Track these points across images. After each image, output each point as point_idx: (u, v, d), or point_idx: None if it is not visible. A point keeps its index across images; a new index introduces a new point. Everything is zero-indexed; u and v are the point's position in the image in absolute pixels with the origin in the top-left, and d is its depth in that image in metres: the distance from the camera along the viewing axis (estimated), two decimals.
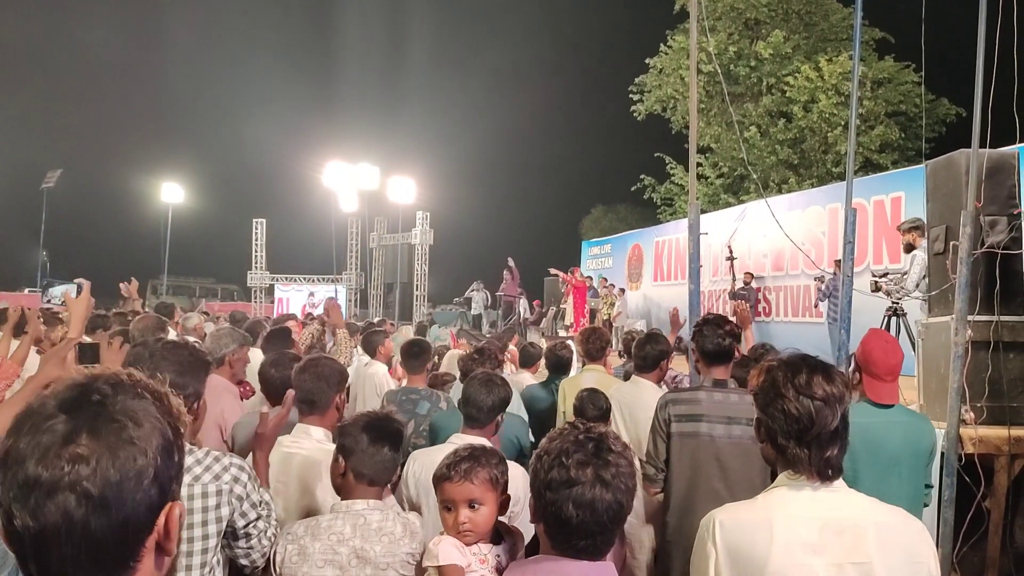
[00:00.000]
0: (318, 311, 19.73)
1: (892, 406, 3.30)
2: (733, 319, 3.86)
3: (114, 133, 45.52)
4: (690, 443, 3.45)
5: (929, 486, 3.45)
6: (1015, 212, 5.74)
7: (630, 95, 26.77)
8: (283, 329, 5.94)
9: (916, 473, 3.30)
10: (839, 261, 12.76)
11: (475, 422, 3.24)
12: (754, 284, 15.72)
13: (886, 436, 3.21)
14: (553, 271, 21.46)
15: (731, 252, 15.60)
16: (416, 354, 5.08)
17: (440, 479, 2.32)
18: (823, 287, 13.40)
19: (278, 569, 2.37)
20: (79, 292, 3.16)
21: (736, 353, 3.79)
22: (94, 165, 42.97)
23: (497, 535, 2.31)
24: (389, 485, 2.61)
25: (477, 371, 3.52)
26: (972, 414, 5.40)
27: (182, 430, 1.07)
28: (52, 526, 0.92)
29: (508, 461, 3.04)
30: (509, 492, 2.39)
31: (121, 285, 8.54)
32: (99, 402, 0.99)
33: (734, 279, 15.51)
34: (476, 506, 2.24)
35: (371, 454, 2.43)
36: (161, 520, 1.01)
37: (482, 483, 2.25)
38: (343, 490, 2.46)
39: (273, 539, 2.38)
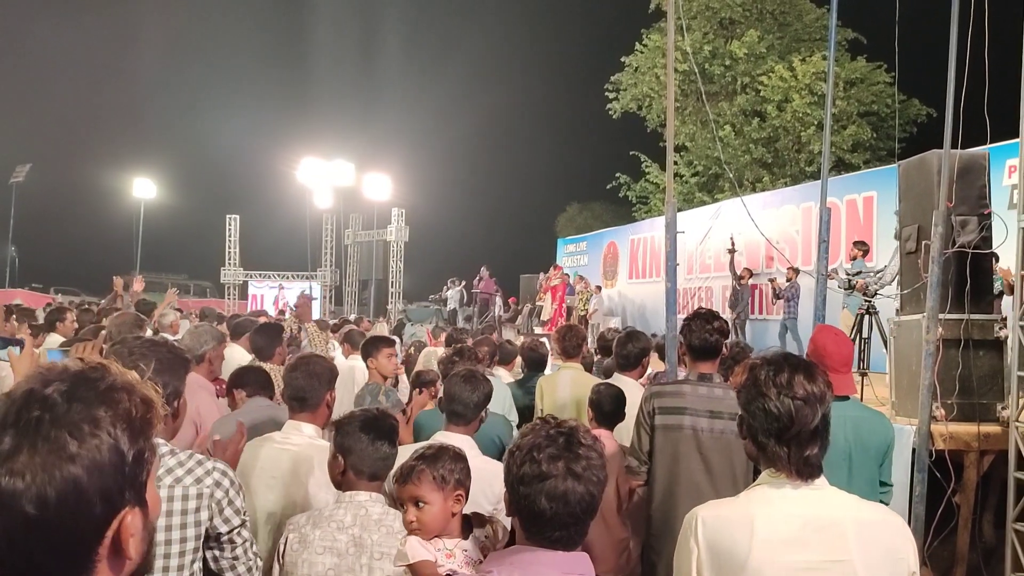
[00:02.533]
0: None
1: (847, 398, 3.33)
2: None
3: (85, 127, 44.96)
4: (673, 435, 3.46)
5: (887, 484, 3.47)
6: (985, 212, 5.83)
7: (606, 93, 26.87)
8: (276, 325, 5.86)
9: (867, 470, 3.33)
10: (793, 268, 13.74)
11: (460, 419, 3.25)
12: (750, 281, 15.35)
13: (836, 430, 3.23)
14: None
15: (733, 245, 15.26)
16: (367, 352, 5.11)
17: (393, 480, 2.41)
18: (784, 291, 13.91)
19: (281, 559, 2.42)
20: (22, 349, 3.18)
21: (725, 350, 3.81)
22: (64, 159, 42.39)
23: (467, 529, 2.35)
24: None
25: (458, 368, 3.52)
26: (943, 411, 5.49)
27: (149, 429, 1.02)
28: None
29: (489, 459, 3.04)
30: (495, 488, 2.41)
31: (115, 278, 8.85)
32: (38, 418, 0.94)
33: (735, 275, 15.31)
34: (422, 505, 2.29)
35: (370, 452, 2.49)
36: (111, 530, 0.98)
37: (426, 483, 2.30)
38: (343, 486, 2.52)
39: (258, 556, 2.39)
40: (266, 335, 5.20)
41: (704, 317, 3.60)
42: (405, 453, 2.66)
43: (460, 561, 2.23)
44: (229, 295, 29.63)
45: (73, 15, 45.38)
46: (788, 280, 13.89)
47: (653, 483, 3.54)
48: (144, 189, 31.68)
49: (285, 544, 2.43)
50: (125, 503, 0.99)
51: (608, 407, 4.08)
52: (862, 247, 10.83)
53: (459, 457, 2.43)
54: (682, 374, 5.92)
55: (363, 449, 2.49)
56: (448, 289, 24.89)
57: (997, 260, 6.68)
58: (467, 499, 2.41)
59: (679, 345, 3.76)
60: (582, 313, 19.03)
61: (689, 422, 3.44)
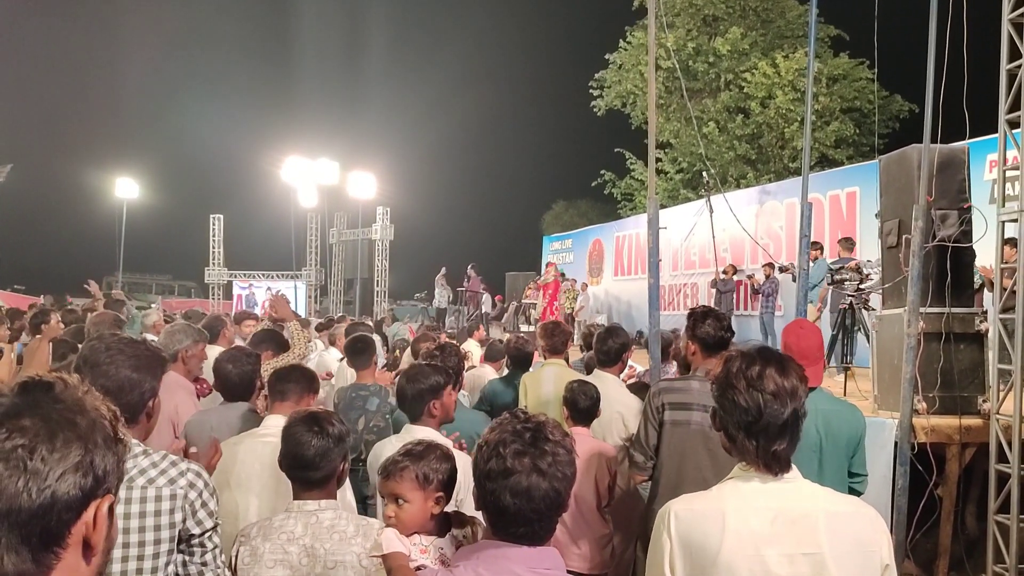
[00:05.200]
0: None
1: (812, 389, 3.34)
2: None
3: (67, 127, 44.66)
4: (681, 431, 3.48)
5: (859, 474, 3.47)
6: (965, 206, 5.86)
7: (590, 90, 26.85)
8: (273, 331, 5.77)
9: (837, 461, 3.34)
10: (769, 264, 13.82)
11: (414, 417, 3.28)
12: (735, 277, 15.45)
13: (807, 423, 3.24)
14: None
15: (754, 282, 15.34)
16: (360, 350, 4.98)
17: (378, 473, 2.41)
18: (762, 286, 14.05)
19: (234, 572, 2.37)
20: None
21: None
22: (46, 159, 42.10)
23: (444, 527, 2.34)
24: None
25: (405, 367, 3.53)
26: (924, 404, 5.52)
27: (122, 437, 1.08)
28: None
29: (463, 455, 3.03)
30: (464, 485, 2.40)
31: (91, 283, 9.11)
32: (48, 385, 1.03)
33: (720, 278, 15.37)
34: (402, 503, 2.28)
35: (300, 457, 2.43)
36: (90, 512, 1.00)
37: (407, 481, 2.29)
38: (293, 490, 2.48)
39: (226, 566, 2.35)
40: (275, 344, 5.09)
41: (716, 314, 3.66)
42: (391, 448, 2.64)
43: (434, 558, 2.22)
44: (213, 295, 29.50)
45: (55, 13, 45.02)
46: (766, 276, 14.04)
47: (659, 478, 3.55)
48: (127, 189, 31.30)
49: (236, 556, 2.36)
50: (108, 489, 1.03)
51: (583, 404, 4.07)
52: (848, 244, 10.87)
53: (446, 457, 2.40)
54: (669, 371, 5.95)
55: (293, 451, 2.44)
56: (438, 285, 24.72)
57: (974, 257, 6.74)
58: (448, 500, 2.39)
59: (688, 341, 3.72)
60: (568, 311, 19.03)
61: (698, 418, 3.45)
